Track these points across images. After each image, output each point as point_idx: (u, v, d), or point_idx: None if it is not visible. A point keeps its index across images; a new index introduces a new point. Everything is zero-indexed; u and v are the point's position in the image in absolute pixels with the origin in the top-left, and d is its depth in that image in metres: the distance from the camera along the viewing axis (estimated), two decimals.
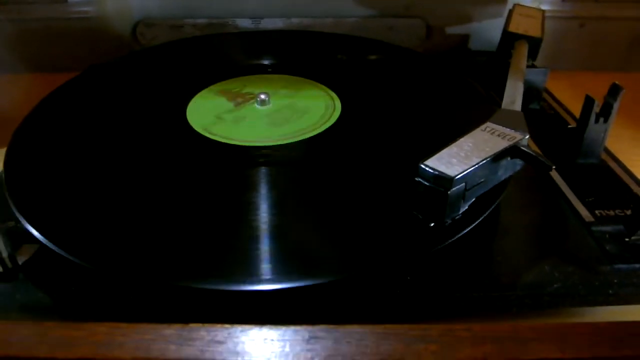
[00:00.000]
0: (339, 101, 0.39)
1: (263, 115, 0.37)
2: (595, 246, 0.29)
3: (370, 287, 0.25)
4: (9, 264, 0.27)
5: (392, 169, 0.32)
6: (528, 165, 0.28)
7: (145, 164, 0.33)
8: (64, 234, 0.26)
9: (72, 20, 0.53)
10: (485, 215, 0.27)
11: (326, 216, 0.28)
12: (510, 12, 0.48)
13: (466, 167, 0.25)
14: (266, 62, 0.47)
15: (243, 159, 0.33)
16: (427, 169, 0.25)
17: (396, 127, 0.37)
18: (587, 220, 0.31)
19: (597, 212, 0.32)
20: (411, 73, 0.45)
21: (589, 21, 0.54)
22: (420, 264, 0.27)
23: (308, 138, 0.35)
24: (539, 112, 0.44)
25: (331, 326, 0.17)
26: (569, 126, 0.41)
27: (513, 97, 0.33)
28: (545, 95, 0.46)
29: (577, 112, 0.44)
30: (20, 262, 0.27)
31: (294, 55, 0.49)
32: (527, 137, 0.28)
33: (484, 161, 0.26)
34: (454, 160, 0.26)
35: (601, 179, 0.35)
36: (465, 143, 0.27)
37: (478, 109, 0.39)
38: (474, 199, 0.27)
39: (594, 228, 0.30)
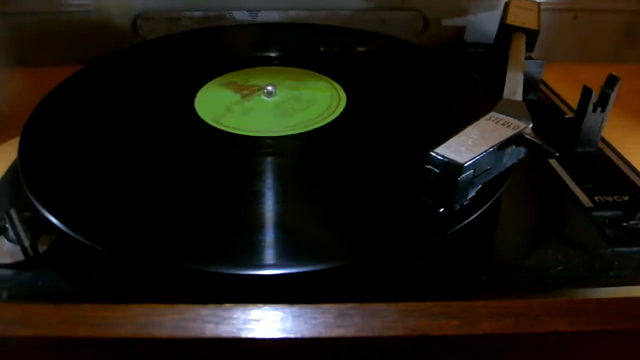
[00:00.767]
0: (343, 92, 0.40)
1: (271, 106, 0.38)
2: (595, 231, 0.30)
3: (383, 271, 0.26)
4: (31, 253, 0.27)
5: (399, 157, 0.33)
6: (528, 154, 0.29)
7: (157, 154, 0.33)
8: (81, 220, 0.27)
9: (72, 13, 0.53)
10: (492, 200, 0.28)
11: (341, 204, 0.29)
12: (507, 4, 0.49)
13: (475, 155, 0.26)
14: (268, 54, 0.48)
15: (257, 149, 0.34)
16: (437, 156, 0.26)
17: (401, 117, 0.38)
18: (586, 206, 0.32)
19: (596, 198, 0.33)
20: (413, 65, 0.46)
21: (582, 13, 0.56)
22: (430, 248, 0.27)
23: (318, 127, 0.35)
24: (537, 103, 0.45)
25: (358, 304, 0.18)
26: (566, 116, 0.43)
27: (514, 87, 0.34)
28: (541, 86, 0.47)
29: (573, 103, 0.45)
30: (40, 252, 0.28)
31: (295, 47, 0.49)
32: (531, 125, 0.29)
33: (491, 149, 0.27)
34: (463, 148, 0.26)
35: (599, 166, 0.36)
36: (472, 132, 0.28)
37: (478, 100, 0.40)
38: (480, 186, 0.28)
39: (593, 213, 0.31)
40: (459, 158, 0.26)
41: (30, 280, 0.26)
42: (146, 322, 0.17)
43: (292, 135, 0.35)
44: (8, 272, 0.27)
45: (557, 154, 0.27)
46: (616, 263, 0.28)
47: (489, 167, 0.27)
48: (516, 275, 0.27)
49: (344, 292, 0.23)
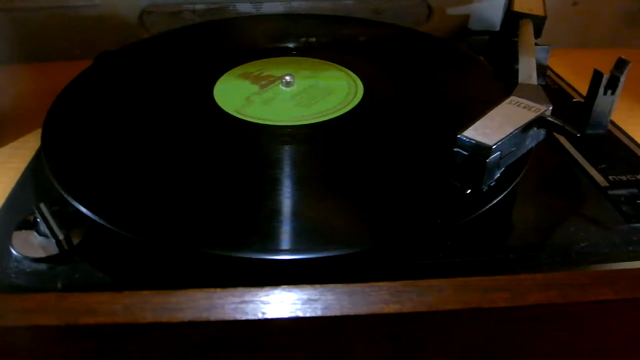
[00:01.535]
0: (360, 81, 0.41)
1: (290, 96, 0.39)
2: (612, 208, 0.31)
3: (413, 253, 0.27)
4: (66, 246, 0.27)
5: (419, 142, 0.34)
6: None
7: (181, 145, 0.34)
8: (113, 211, 0.27)
9: (78, 8, 0.53)
10: (517, 180, 0.29)
11: (372, 190, 0.30)
12: None
13: (502, 137, 0.27)
14: (282, 45, 0.48)
15: (280, 138, 0.34)
16: (465, 139, 0.27)
17: (417, 103, 0.39)
18: (602, 185, 0.33)
19: (610, 177, 0.34)
20: (425, 53, 0.47)
21: (582, 0, 0.57)
22: (458, 229, 0.28)
23: (339, 115, 0.36)
24: (545, 88, 0.46)
25: (410, 281, 0.19)
26: (574, 100, 0.44)
27: (529, 72, 0.35)
28: (548, 71, 0.48)
29: (577, 87, 0.46)
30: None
31: (308, 38, 0.50)
32: (551, 108, 0.30)
33: (516, 131, 0.27)
34: (488, 131, 0.27)
35: (610, 147, 0.37)
36: (495, 115, 0.29)
37: (489, 84, 0.41)
38: (504, 168, 0.29)
39: (609, 192, 0.32)
40: (487, 140, 0.26)
41: (67, 273, 0.27)
42: (207, 306, 0.18)
43: (315, 123, 0.35)
44: (42, 266, 0.27)
45: (579, 134, 0.28)
46: (634, 238, 0.29)
47: (513, 149, 0.28)
48: (541, 252, 0.28)
49: (378, 275, 0.24)
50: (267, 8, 0.57)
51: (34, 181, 0.34)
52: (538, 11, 0.46)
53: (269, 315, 0.17)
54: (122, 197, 0.29)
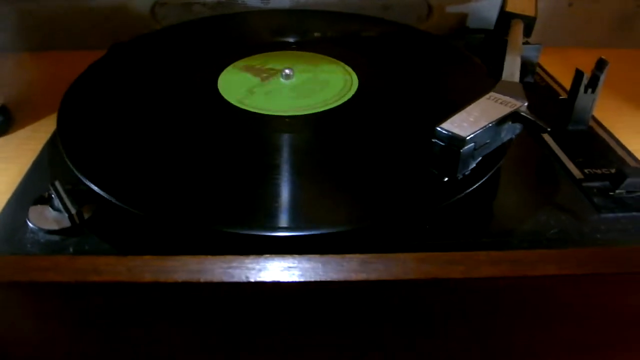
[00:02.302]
0: (355, 74, 0.43)
1: (290, 88, 0.41)
2: (584, 199, 0.33)
3: (394, 235, 0.30)
4: (77, 220, 0.30)
5: (407, 133, 0.37)
6: (525, 132, 0.32)
7: (187, 134, 0.37)
8: (121, 190, 0.30)
9: (96, 0, 0.56)
10: (493, 171, 0.31)
11: (359, 175, 0.33)
12: None
13: (476, 129, 0.29)
14: (283, 39, 0.51)
15: (281, 128, 0.37)
16: (442, 131, 0.29)
17: (409, 96, 0.41)
18: (577, 177, 0.35)
19: (586, 170, 0.36)
20: (419, 50, 0.49)
21: (577, 1, 0.58)
22: (437, 214, 0.31)
23: (335, 107, 0.39)
24: (533, 85, 0.48)
25: (379, 255, 0.21)
26: (560, 97, 0.46)
27: (512, 70, 0.37)
28: (538, 69, 0.50)
29: (567, 85, 0.48)
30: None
31: (308, 33, 0.52)
32: (526, 104, 0.32)
33: (490, 124, 0.30)
34: (465, 124, 0.30)
35: (590, 143, 0.39)
36: (473, 109, 0.31)
37: (480, 82, 0.43)
38: (480, 158, 0.31)
39: (583, 184, 0.34)
40: (461, 132, 0.29)
41: (77, 244, 0.30)
42: (199, 270, 0.20)
43: (313, 113, 0.38)
44: (55, 237, 0.30)
45: (549, 129, 0.30)
46: (603, 227, 0.31)
47: (488, 141, 0.30)
48: (513, 238, 0.30)
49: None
50: (275, 3, 0.60)
51: (49, 161, 0.37)
52: (529, 12, 0.48)
53: (252, 279, 0.20)
54: (129, 177, 0.32)
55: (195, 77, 0.43)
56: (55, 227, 0.30)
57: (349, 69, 0.44)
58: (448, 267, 0.20)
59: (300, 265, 0.21)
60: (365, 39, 0.52)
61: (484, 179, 0.31)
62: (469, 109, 0.31)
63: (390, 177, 0.32)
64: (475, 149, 0.30)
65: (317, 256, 0.21)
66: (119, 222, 0.30)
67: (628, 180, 0.33)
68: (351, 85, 0.41)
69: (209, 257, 0.21)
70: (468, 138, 0.29)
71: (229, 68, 0.44)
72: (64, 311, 0.22)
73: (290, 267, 0.21)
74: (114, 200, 0.29)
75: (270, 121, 0.38)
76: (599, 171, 0.36)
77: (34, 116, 0.44)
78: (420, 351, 0.25)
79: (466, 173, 0.30)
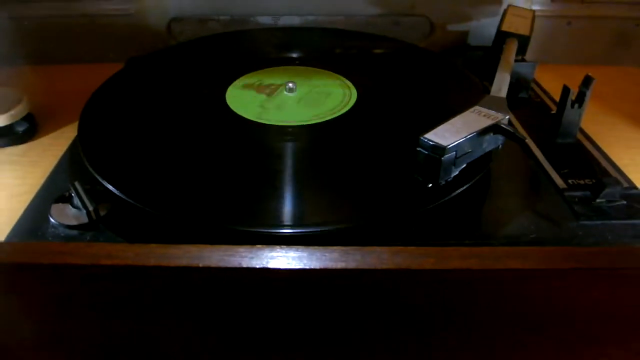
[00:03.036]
0: (354, 88, 0.46)
1: (296, 100, 0.44)
2: (566, 207, 0.35)
3: (380, 235, 0.32)
4: (94, 216, 0.33)
5: (399, 142, 0.39)
6: (515, 144, 0.35)
7: (190, 142, 0.40)
8: (135, 189, 0.33)
9: (116, 17, 0.60)
10: (474, 181, 0.33)
11: (352, 179, 0.36)
12: (505, 12, 0.54)
13: (457, 139, 0.32)
14: (285, 55, 0.54)
15: (303, 136, 0.41)
16: (425, 140, 0.32)
17: (403, 109, 0.44)
18: (560, 187, 0.37)
19: (570, 181, 0.38)
20: (416, 66, 0.52)
21: (576, 20, 0.61)
22: (423, 218, 0.33)
23: (340, 115, 0.42)
24: (527, 100, 0.50)
25: (359, 247, 0.24)
26: (552, 112, 0.48)
27: (500, 86, 0.40)
28: (533, 85, 0.52)
29: None
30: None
31: (308, 49, 0.55)
32: (508, 117, 0.34)
33: (471, 135, 0.32)
34: (447, 135, 0.32)
35: (576, 155, 0.41)
36: (457, 121, 0.34)
37: (473, 97, 0.45)
38: (464, 166, 0.33)
39: (566, 193, 0.36)
40: (443, 141, 0.31)
41: (94, 238, 0.33)
42: (199, 256, 0.23)
43: (317, 123, 0.41)
44: (74, 232, 0.33)
45: (526, 139, 0.32)
46: (580, 233, 0.33)
47: (469, 151, 0.33)
48: (493, 241, 0.33)
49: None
50: (285, 21, 0.63)
51: (70, 164, 0.40)
52: (524, 31, 0.50)
53: (244, 265, 0.23)
54: (143, 178, 0.35)
55: (204, 92, 0.46)
56: (74, 222, 0.33)
57: (348, 82, 0.47)
58: (420, 259, 0.23)
59: (287, 254, 0.24)
60: (364, 55, 0.55)
61: (463, 187, 0.33)
62: (452, 120, 0.34)
63: (381, 182, 0.35)
64: (456, 157, 0.32)
65: (302, 247, 0.24)
66: (131, 219, 0.34)
67: (607, 190, 0.35)
68: (350, 96, 0.45)
69: (208, 246, 0.24)
70: (449, 147, 0.31)
71: (230, 88, 0.47)
72: (78, 294, 0.25)
73: (278, 256, 0.23)
74: (127, 199, 0.32)
75: (290, 132, 0.41)
76: (582, 182, 0.38)
77: (56, 124, 0.47)
78: (401, 340, 0.28)
79: (448, 180, 0.33)
